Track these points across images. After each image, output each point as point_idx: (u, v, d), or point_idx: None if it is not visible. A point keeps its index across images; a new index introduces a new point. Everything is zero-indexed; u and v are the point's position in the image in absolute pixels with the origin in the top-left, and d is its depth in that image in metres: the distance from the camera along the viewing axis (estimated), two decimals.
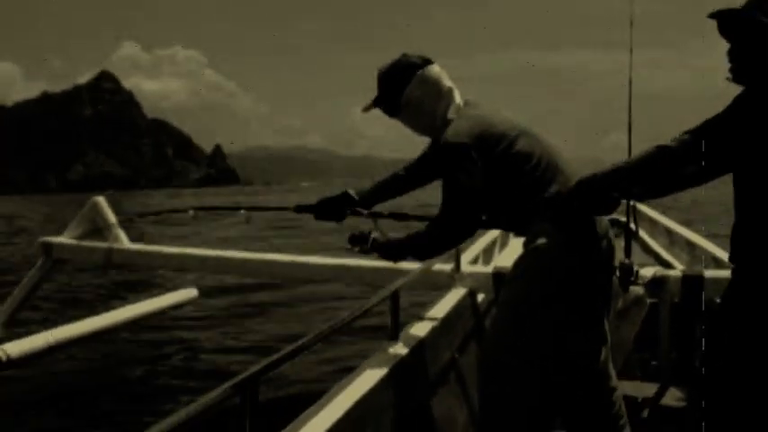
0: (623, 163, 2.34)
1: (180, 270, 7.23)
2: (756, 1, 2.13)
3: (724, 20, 2.18)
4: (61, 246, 5.62)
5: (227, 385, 1.68)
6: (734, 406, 2.20)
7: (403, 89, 2.71)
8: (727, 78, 2.19)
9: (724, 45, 2.20)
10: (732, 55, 2.17)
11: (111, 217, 5.66)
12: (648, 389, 3.78)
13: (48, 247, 5.63)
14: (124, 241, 5.55)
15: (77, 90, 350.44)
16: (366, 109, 2.87)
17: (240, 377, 1.74)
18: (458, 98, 2.75)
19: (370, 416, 2.35)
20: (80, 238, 5.66)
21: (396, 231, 2.91)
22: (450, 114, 2.70)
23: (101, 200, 5.71)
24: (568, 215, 2.50)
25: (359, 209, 3.10)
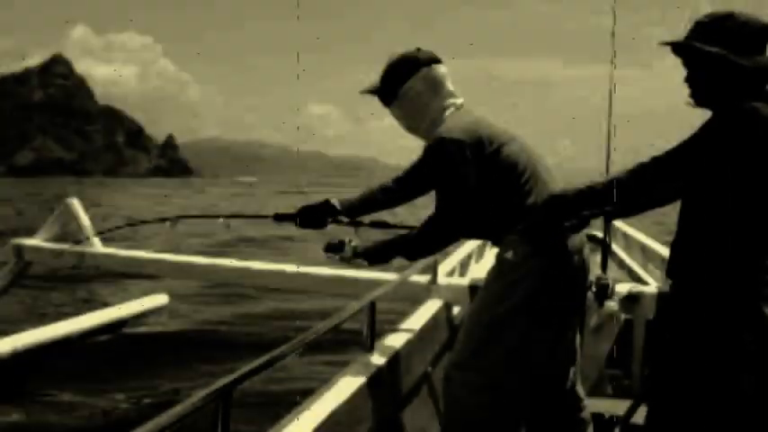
0: (595, 183, 2.35)
1: (153, 275, 7.15)
2: (696, 30, 2.18)
3: (681, 52, 2.22)
4: (33, 248, 5.54)
5: (200, 395, 1.65)
6: (672, 420, 2.24)
7: (406, 80, 2.71)
8: (688, 103, 2.23)
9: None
10: (689, 82, 2.22)
11: (85, 219, 5.59)
12: (620, 406, 3.78)
13: (19, 250, 5.54)
14: (97, 245, 5.48)
15: (27, 73, 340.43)
16: (364, 91, 2.85)
17: (214, 387, 1.71)
18: (455, 102, 2.74)
19: (343, 427, 2.34)
20: (52, 240, 5.58)
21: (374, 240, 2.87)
22: (445, 115, 2.69)
23: (74, 202, 5.64)
24: (537, 229, 2.50)
25: (340, 217, 3.04)
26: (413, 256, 2.85)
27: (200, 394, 1.64)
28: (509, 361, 2.52)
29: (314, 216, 3.08)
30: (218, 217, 3.63)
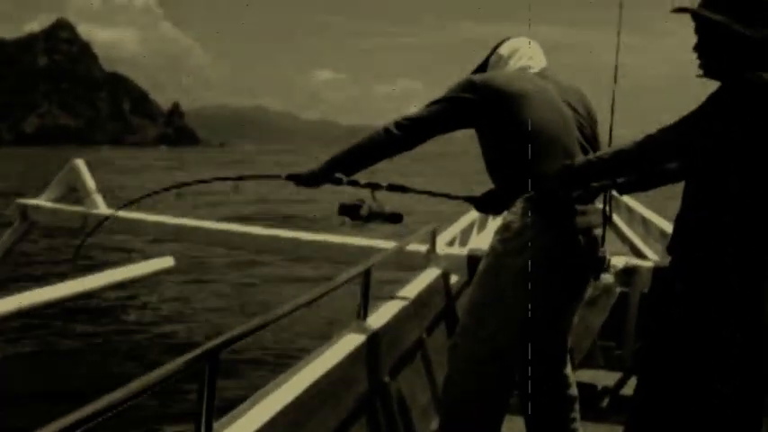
0: (604, 154, 2.35)
1: (157, 239, 7.20)
2: None
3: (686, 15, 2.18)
4: (37, 208, 5.58)
5: (186, 357, 1.67)
6: (660, 393, 2.25)
7: (496, 49, 2.87)
8: (698, 75, 2.21)
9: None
10: (697, 50, 2.20)
11: (90, 181, 5.60)
12: (611, 377, 3.83)
13: (24, 209, 5.58)
14: (101, 206, 5.51)
15: (32, 38, 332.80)
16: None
17: (202, 349, 1.73)
18: (524, 63, 2.80)
19: (333, 391, 2.37)
20: (57, 200, 5.62)
21: (392, 205, 2.82)
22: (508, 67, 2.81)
23: (80, 163, 5.66)
24: (546, 198, 2.51)
25: (354, 179, 2.83)
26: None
27: (186, 357, 1.66)
28: (510, 331, 2.56)
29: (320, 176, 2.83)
30: (226, 179, 3.44)
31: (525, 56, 2.82)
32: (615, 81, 3.44)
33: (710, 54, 2.16)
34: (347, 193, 2.84)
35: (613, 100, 3.44)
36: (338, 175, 2.74)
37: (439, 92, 2.75)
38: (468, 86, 2.61)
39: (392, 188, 2.87)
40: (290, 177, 2.89)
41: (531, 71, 2.77)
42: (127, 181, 31.61)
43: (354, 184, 2.83)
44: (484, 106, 2.59)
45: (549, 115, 2.61)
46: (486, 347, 2.56)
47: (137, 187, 20.60)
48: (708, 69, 2.18)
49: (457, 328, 2.73)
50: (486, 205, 2.89)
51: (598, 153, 2.38)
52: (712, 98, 2.09)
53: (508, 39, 2.90)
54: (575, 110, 2.72)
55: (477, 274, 2.71)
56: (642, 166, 2.31)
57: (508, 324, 2.56)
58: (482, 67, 2.90)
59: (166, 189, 3.40)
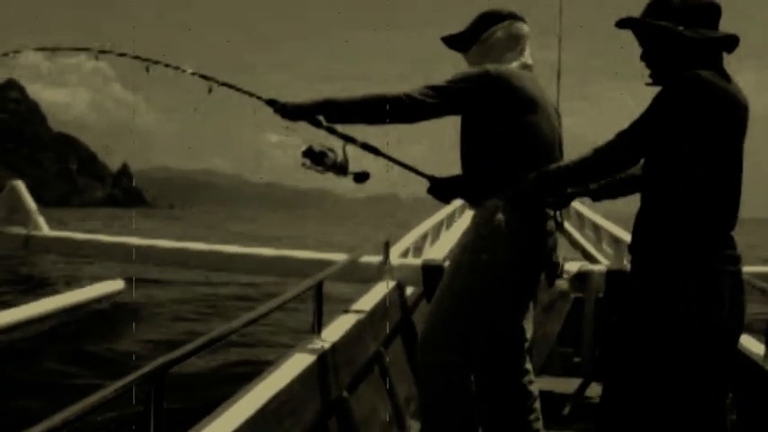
0: (572, 161, 2.38)
1: (100, 258, 7.02)
2: (651, 5, 2.24)
3: (627, 27, 2.27)
4: None
5: (130, 378, 1.59)
6: (627, 398, 2.25)
7: (491, 26, 2.75)
8: (647, 83, 2.28)
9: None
10: (645, 59, 2.28)
11: (31, 202, 5.45)
12: (570, 384, 3.81)
13: None
14: (44, 228, 5.35)
15: None
16: (446, 36, 2.84)
17: (145, 369, 1.65)
18: (525, 61, 2.75)
19: (289, 409, 2.29)
20: None
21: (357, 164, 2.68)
22: (512, 65, 2.71)
23: (19, 184, 5.49)
24: (522, 200, 2.51)
25: (332, 126, 2.68)
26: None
27: (130, 377, 1.57)
28: (480, 331, 2.55)
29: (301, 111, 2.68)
30: (207, 78, 2.90)
31: (525, 50, 2.78)
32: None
33: (658, 59, 2.23)
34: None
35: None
36: (320, 117, 2.64)
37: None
38: (484, 80, 2.55)
39: (366, 147, 2.76)
40: (271, 102, 2.71)
41: (528, 70, 2.75)
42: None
43: (332, 131, 2.70)
44: (494, 104, 2.56)
45: (548, 126, 2.64)
46: (458, 353, 2.53)
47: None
48: (657, 76, 2.25)
49: (421, 342, 2.65)
50: (440, 190, 2.78)
51: (569, 160, 2.41)
52: (658, 98, 2.14)
53: (507, 15, 2.77)
54: (558, 116, 2.76)
55: (446, 273, 2.68)
56: (607, 170, 2.34)
57: (478, 324, 2.54)
58: (470, 37, 2.79)
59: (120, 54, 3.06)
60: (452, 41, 2.85)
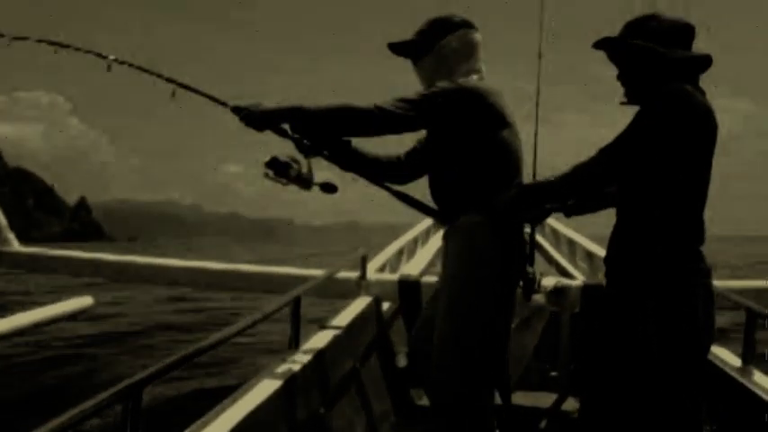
0: (553, 177, 2.39)
1: (72, 275, 6.91)
2: (629, 26, 2.30)
3: (605, 48, 2.32)
4: None
5: (104, 395, 1.56)
6: (605, 412, 2.30)
7: (445, 36, 2.69)
8: (622, 102, 2.33)
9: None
10: (621, 79, 2.33)
11: (1, 217, 5.34)
12: (547, 399, 3.82)
13: None
14: (14, 243, 5.24)
15: None
16: (394, 43, 2.76)
17: (120, 386, 1.61)
18: (481, 71, 2.73)
19: (265, 425, 2.27)
20: None
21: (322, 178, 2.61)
22: (470, 77, 2.66)
23: None
24: (501, 216, 2.52)
25: (297, 137, 2.59)
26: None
27: (104, 394, 1.54)
28: (482, 348, 2.56)
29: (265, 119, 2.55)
30: (173, 81, 2.88)
31: (479, 60, 2.75)
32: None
33: (638, 78, 2.28)
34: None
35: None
36: (285, 126, 2.54)
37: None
38: (460, 95, 2.51)
39: (332, 159, 2.69)
40: (236, 110, 2.56)
41: (484, 79, 2.72)
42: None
43: (298, 142, 2.60)
44: (469, 119, 2.53)
45: (518, 142, 2.65)
46: (471, 369, 2.53)
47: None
48: (631, 95, 2.30)
49: (434, 358, 2.59)
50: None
51: (550, 175, 2.42)
52: (642, 112, 2.18)
53: (460, 23, 2.71)
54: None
55: (442, 297, 2.62)
56: (590, 186, 2.35)
57: (480, 342, 2.55)
58: (422, 46, 2.71)
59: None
60: (401, 49, 2.77)
